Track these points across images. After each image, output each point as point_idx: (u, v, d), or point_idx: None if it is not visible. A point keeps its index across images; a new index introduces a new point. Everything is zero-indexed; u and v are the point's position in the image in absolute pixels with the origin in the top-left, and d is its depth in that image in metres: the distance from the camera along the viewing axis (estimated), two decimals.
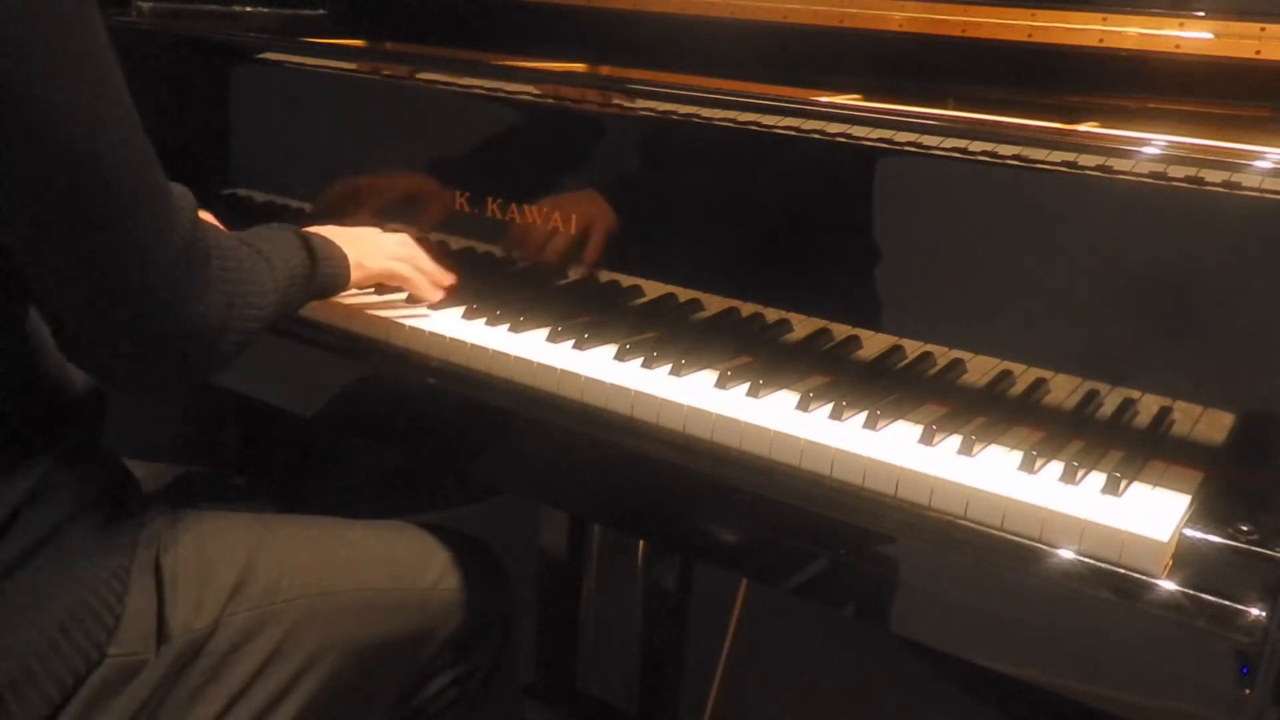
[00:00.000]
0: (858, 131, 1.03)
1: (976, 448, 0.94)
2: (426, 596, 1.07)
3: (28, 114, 0.73)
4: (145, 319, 0.83)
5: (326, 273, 1.08)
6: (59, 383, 0.90)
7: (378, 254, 1.16)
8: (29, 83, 0.73)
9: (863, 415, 0.98)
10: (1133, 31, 1.17)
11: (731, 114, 1.10)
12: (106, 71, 0.77)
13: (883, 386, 1.02)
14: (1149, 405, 0.93)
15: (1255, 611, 0.78)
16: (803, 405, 1.00)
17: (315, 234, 1.10)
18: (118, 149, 0.78)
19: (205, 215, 1.10)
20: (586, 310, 1.19)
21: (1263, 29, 1.10)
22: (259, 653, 0.94)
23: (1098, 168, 0.92)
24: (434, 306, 1.20)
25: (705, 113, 1.11)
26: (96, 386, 0.95)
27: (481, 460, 1.18)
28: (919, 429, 0.96)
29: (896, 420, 0.99)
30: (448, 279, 1.21)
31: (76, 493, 0.88)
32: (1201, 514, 0.86)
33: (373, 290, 1.25)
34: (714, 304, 1.13)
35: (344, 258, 1.11)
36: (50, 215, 0.77)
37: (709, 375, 1.06)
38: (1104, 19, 1.18)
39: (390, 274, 1.17)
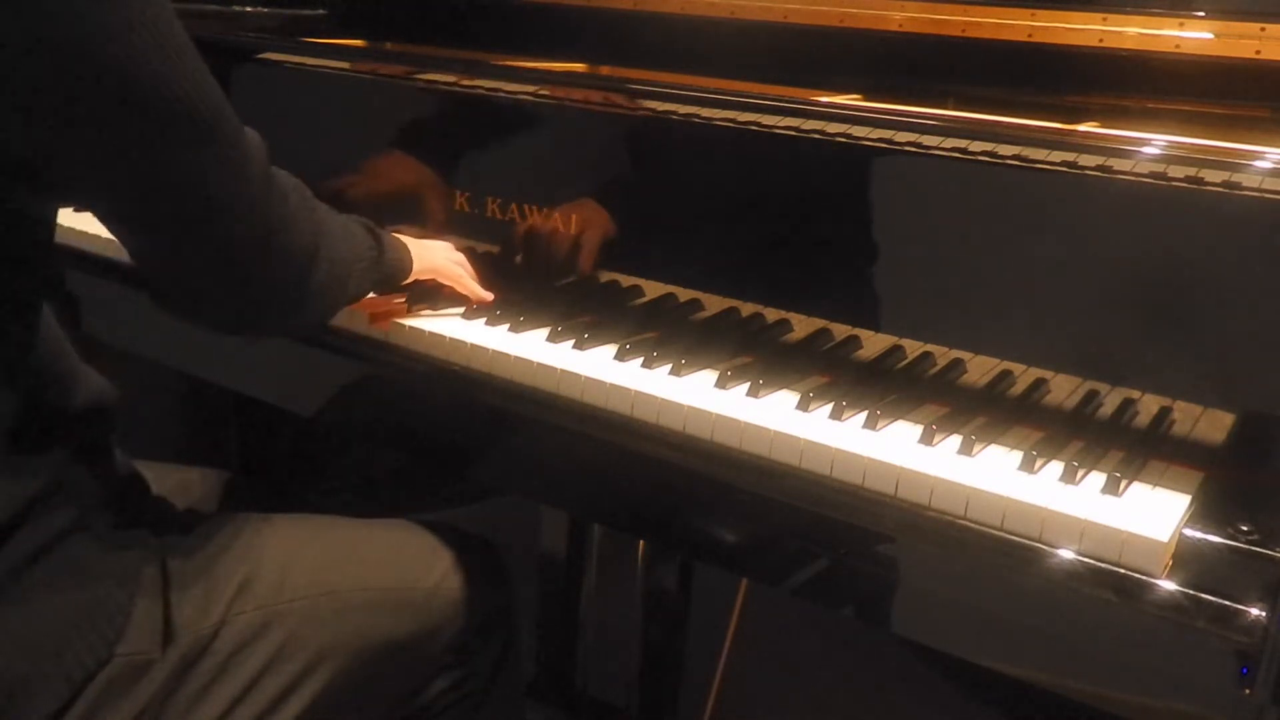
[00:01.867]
0: (858, 131, 1.03)
1: (976, 448, 0.94)
2: (430, 596, 1.07)
3: (103, 67, 0.76)
4: (240, 243, 0.87)
5: (391, 258, 1.11)
6: (72, 383, 0.91)
7: (431, 252, 1.19)
8: (101, 40, 0.75)
9: (863, 415, 0.98)
10: (1133, 31, 1.17)
11: (731, 114, 1.10)
12: (169, 21, 0.80)
13: (883, 386, 1.02)
14: (1149, 405, 0.93)
15: (1255, 611, 0.78)
16: (803, 405, 1.00)
17: (378, 228, 1.13)
18: (194, 86, 0.81)
19: None
20: (586, 310, 1.19)
21: (1263, 29, 1.11)
22: (264, 652, 0.94)
23: (1098, 168, 0.92)
24: (434, 307, 1.20)
25: (705, 113, 1.11)
26: (109, 388, 0.95)
27: (481, 460, 1.18)
28: (919, 429, 0.96)
29: (896, 420, 0.99)
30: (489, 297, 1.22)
31: (88, 492, 0.88)
32: (1201, 514, 0.86)
33: (372, 292, 1.25)
34: (714, 304, 1.13)
35: (405, 247, 1.14)
36: (145, 156, 0.80)
37: (709, 375, 1.06)
38: (1104, 19, 1.18)
39: (446, 271, 1.18)
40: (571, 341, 1.12)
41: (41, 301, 0.88)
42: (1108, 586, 0.82)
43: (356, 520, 1.10)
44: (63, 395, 0.90)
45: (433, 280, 1.19)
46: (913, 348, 1.03)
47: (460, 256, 1.22)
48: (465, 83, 1.27)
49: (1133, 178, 0.91)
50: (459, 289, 1.19)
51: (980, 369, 1.00)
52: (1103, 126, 1.07)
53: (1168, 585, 0.81)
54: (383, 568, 1.05)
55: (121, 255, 0.98)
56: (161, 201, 0.83)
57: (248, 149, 0.87)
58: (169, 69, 0.79)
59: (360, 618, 1.01)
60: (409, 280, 1.15)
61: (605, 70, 1.40)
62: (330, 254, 0.98)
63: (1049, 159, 0.94)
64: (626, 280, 1.18)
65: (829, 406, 0.99)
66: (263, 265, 0.90)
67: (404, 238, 1.16)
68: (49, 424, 0.87)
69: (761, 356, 1.09)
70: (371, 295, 1.24)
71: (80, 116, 0.77)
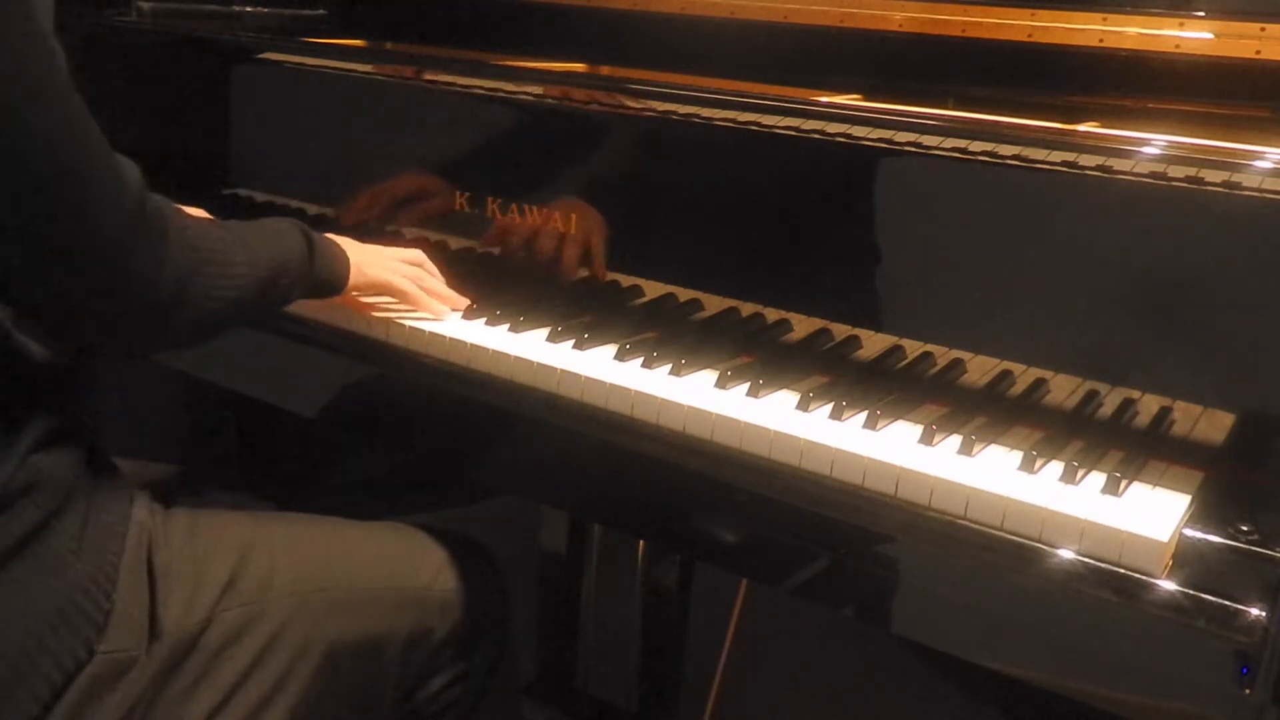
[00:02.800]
0: (858, 131, 1.03)
1: (976, 448, 0.94)
2: (421, 596, 1.07)
3: None
4: (99, 281, 0.85)
5: (323, 269, 1.09)
6: (16, 360, 0.89)
7: (379, 265, 1.16)
8: None
9: (863, 415, 0.98)
10: (1133, 31, 1.17)
11: (731, 114, 1.10)
12: (28, 40, 0.77)
13: (883, 386, 1.02)
14: (1149, 405, 0.93)
15: (1255, 611, 0.78)
16: (803, 405, 1.00)
17: (318, 233, 1.10)
18: (49, 114, 0.78)
19: (197, 211, 1.11)
20: (586, 310, 1.19)
21: (1263, 29, 1.11)
22: (251, 649, 0.94)
23: (1098, 168, 0.92)
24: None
25: (705, 113, 1.11)
26: (62, 365, 0.94)
27: (481, 460, 1.18)
28: (919, 429, 0.96)
29: (896, 420, 0.99)
30: (458, 300, 1.20)
31: (59, 490, 0.87)
32: (1201, 514, 0.86)
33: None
34: (714, 304, 1.13)
35: (344, 258, 1.12)
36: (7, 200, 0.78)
37: (709, 375, 1.06)
38: (1104, 19, 1.18)
39: (388, 285, 1.17)
40: (571, 341, 1.12)
41: None
42: (1108, 586, 0.82)
43: (347, 520, 1.10)
44: (16, 385, 0.89)
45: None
46: (913, 348, 1.03)
47: (416, 270, 1.19)
48: (465, 83, 1.27)
49: (1133, 178, 0.91)
50: (416, 307, 1.18)
51: (980, 369, 1.00)
52: (1103, 126, 1.07)
53: (1168, 585, 0.81)
54: (373, 567, 1.05)
55: None
56: (21, 222, 0.80)
57: (117, 177, 0.84)
58: (24, 109, 0.77)
59: (349, 616, 1.01)
60: (347, 293, 1.14)
61: (605, 70, 1.40)
62: (209, 279, 0.93)
63: (1049, 159, 0.94)
64: (626, 280, 1.18)
65: (829, 406, 0.99)
66: (122, 290, 0.86)
67: (353, 245, 1.14)
68: (5, 416, 0.86)
69: (761, 356, 1.09)
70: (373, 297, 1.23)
71: None
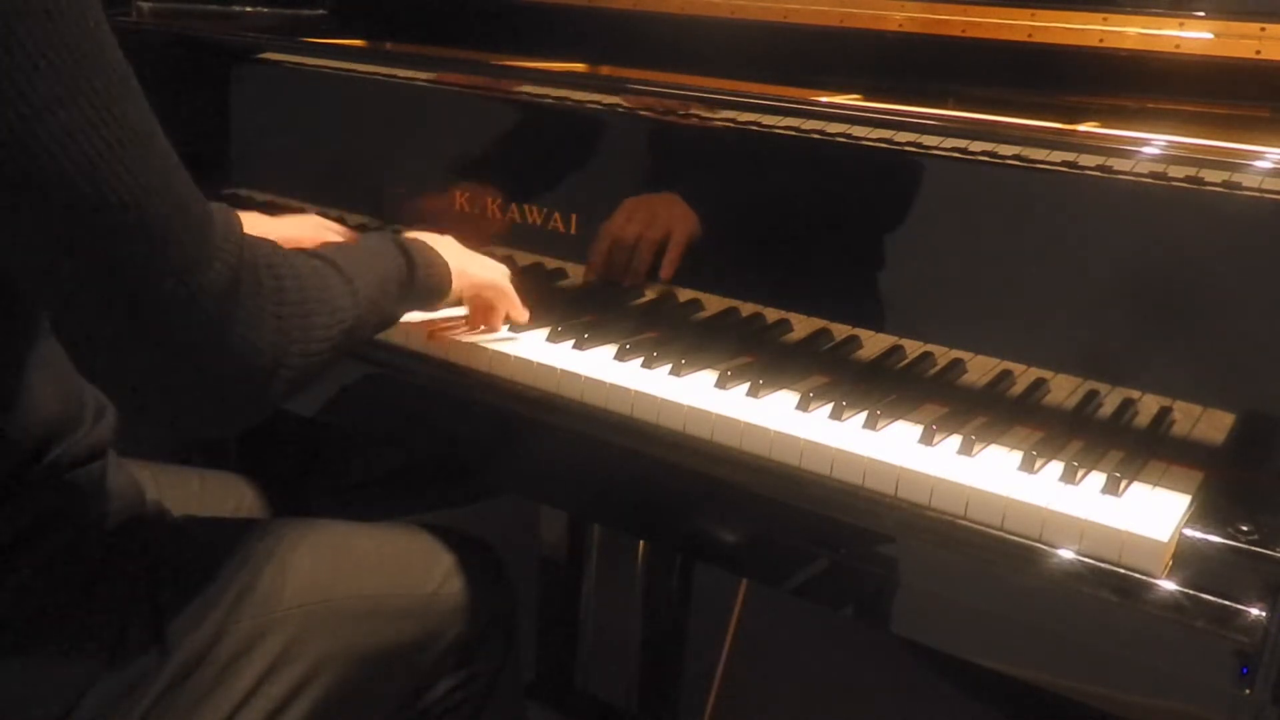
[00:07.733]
0: (858, 131, 1.03)
1: (976, 448, 0.94)
2: (431, 601, 1.06)
3: (16, 153, 0.63)
4: (185, 365, 0.74)
5: (425, 281, 1.02)
6: (76, 423, 0.87)
7: (475, 263, 1.11)
8: (15, 117, 0.63)
9: (863, 415, 0.98)
10: (1133, 31, 1.17)
11: (731, 114, 1.10)
12: (113, 90, 0.69)
13: (883, 386, 1.02)
14: (1149, 405, 0.93)
15: (1255, 611, 0.78)
16: (803, 405, 1.00)
17: (416, 240, 1.04)
18: (129, 181, 0.68)
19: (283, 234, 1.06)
20: (586, 310, 1.19)
21: (1263, 29, 1.11)
22: (261, 661, 0.93)
23: (1098, 168, 0.92)
24: (435, 308, 1.20)
25: (705, 113, 1.11)
26: (111, 409, 0.92)
27: (482, 460, 1.18)
28: (919, 429, 0.96)
29: (896, 420, 0.99)
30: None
31: (84, 511, 0.87)
32: (1201, 514, 0.86)
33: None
34: (714, 304, 1.13)
35: (445, 265, 1.06)
36: (64, 266, 0.68)
37: (709, 375, 1.06)
38: (1104, 19, 1.18)
39: (493, 285, 1.12)
40: (571, 341, 1.12)
41: (26, 344, 0.82)
42: (1108, 586, 0.82)
43: (355, 525, 1.09)
44: (67, 435, 0.86)
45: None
46: (913, 348, 1.03)
47: (504, 268, 1.15)
48: (465, 83, 1.27)
49: (1133, 178, 0.91)
50: (503, 307, 1.13)
51: (980, 369, 1.00)
52: (1103, 126, 1.07)
53: (1168, 585, 0.81)
54: (382, 573, 1.05)
55: None
56: (95, 304, 0.70)
57: (206, 243, 0.72)
58: (97, 155, 0.66)
59: (360, 625, 1.00)
60: (450, 300, 1.09)
61: (605, 70, 1.40)
62: (306, 333, 0.82)
63: (1049, 159, 0.94)
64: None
65: (829, 406, 0.99)
66: (212, 371, 0.75)
67: (448, 248, 1.08)
68: (45, 467, 0.85)
69: (761, 356, 1.09)
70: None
71: None
